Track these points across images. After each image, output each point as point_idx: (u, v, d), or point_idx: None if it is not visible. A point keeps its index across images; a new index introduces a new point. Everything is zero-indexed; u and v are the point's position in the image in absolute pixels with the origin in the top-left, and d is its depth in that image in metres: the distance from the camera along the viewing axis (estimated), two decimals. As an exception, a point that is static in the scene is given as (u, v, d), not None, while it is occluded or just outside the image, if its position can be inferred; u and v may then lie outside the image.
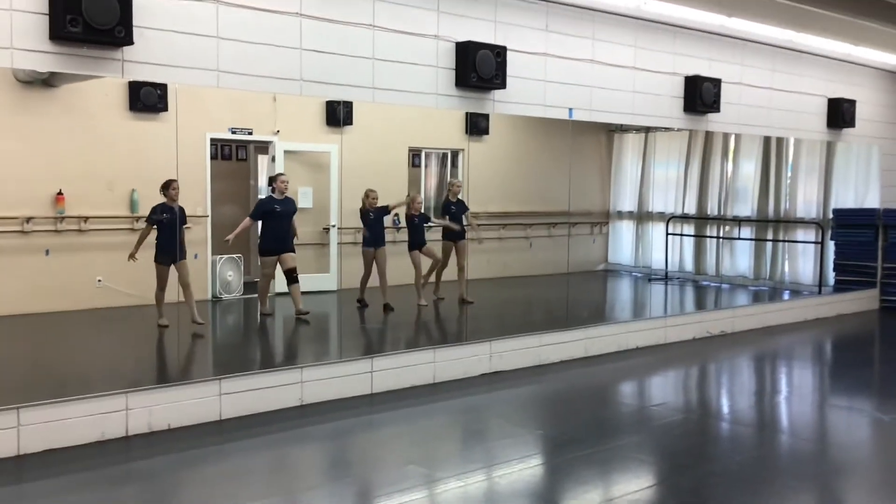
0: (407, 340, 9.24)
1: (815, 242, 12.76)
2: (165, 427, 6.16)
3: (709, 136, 13.30)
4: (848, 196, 13.31)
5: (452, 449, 6.30)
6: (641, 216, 14.50)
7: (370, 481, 5.53)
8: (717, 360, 9.60)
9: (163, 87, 8.87)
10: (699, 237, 13.87)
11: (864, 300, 12.79)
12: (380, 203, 9.66)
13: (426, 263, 10.13)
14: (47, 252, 9.24)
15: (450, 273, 10.28)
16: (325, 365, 7.16)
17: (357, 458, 6.05)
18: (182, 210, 8.45)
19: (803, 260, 13.14)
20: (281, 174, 9.15)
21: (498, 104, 8.26)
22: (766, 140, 12.99)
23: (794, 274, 13.23)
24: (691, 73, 9.93)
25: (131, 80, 7.97)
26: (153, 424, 6.11)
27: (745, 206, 13.63)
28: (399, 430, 6.69)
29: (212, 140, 10.46)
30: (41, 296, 8.97)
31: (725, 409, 7.65)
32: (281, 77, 6.83)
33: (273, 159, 10.13)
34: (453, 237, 10.25)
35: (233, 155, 11.96)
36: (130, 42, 5.85)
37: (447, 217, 10.26)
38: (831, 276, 12.94)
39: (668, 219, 13.91)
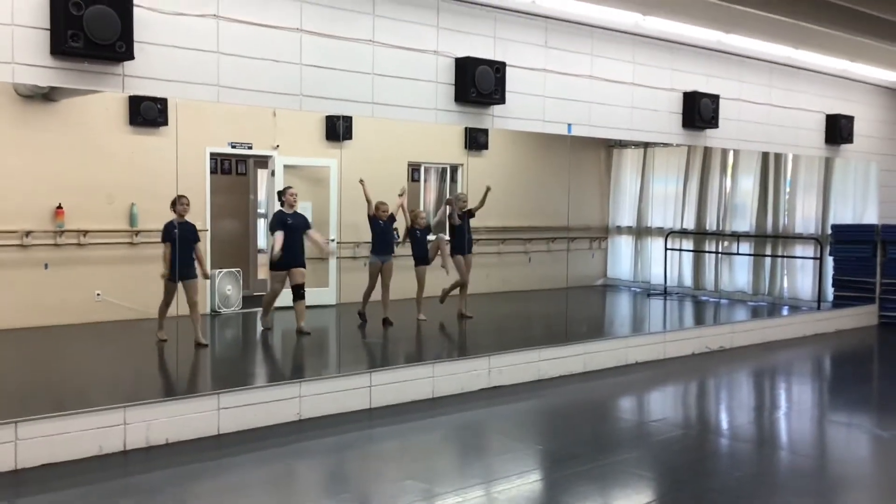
0: (406, 355, 9.23)
1: (814, 258, 12.78)
2: (164, 441, 6.15)
3: (707, 151, 13.34)
4: (846, 212, 13.34)
5: (451, 464, 6.28)
6: (640, 231, 14.52)
7: (368, 496, 5.51)
8: (716, 375, 9.59)
9: (163, 102, 8.91)
10: (698, 252, 13.88)
11: (862, 316, 12.80)
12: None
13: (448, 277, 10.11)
14: (46, 266, 9.25)
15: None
16: (323, 379, 7.15)
17: (355, 473, 6.03)
18: (193, 226, 8.40)
19: (802, 275, 13.15)
20: (289, 188, 9.11)
21: (497, 119, 8.29)
22: (765, 156, 13.03)
23: (792, 289, 13.24)
24: (689, 88, 9.97)
25: (132, 94, 8.00)
26: (151, 439, 6.10)
27: (744, 222, 13.65)
28: (398, 445, 6.68)
29: (211, 154, 10.48)
30: (40, 309, 8.97)
31: (725, 424, 7.64)
32: (281, 92, 6.86)
33: (273, 174, 10.15)
34: (462, 251, 10.26)
35: (232, 169, 11.99)
36: (131, 57, 5.87)
37: (454, 230, 10.26)
38: (830, 292, 12.95)
39: (667, 234, 13.93)
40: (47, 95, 9.06)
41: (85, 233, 9.46)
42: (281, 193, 9.03)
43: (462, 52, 7.87)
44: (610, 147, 14.60)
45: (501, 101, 8.05)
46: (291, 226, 9.01)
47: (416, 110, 7.72)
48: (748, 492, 5.50)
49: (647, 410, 8.20)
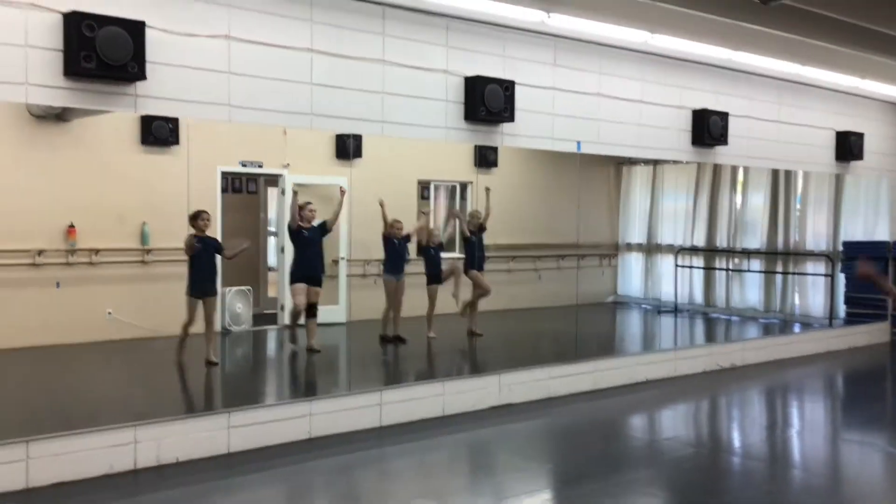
0: (416, 373, 9.22)
1: (826, 275, 12.72)
2: (174, 460, 6.15)
3: (717, 168, 13.34)
4: (857, 228, 13.29)
5: (461, 483, 6.26)
6: (650, 248, 14.51)
7: (378, 516, 5.49)
8: (727, 393, 9.53)
9: (174, 122, 8.99)
10: (708, 269, 13.85)
11: (875, 333, 12.71)
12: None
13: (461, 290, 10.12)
14: (58, 284, 9.30)
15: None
16: (333, 398, 7.14)
17: (365, 492, 6.02)
18: (215, 241, 8.41)
19: (813, 292, 13.08)
20: (308, 203, 9.10)
21: (506, 137, 8.31)
22: (775, 172, 13.01)
23: (804, 306, 13.18)
24: (699, 106, 9.98)
25: (144, 114, 8.07)
26: (162, 458, 6.09)
27: (755, 239, 13.62)
28: (408, 464, 6.66)
29: (222, 173, 10.55)
30: (51, 328, 9.01)
31: (736, 443, 7.59)
32: (291, 111, 6.89)
33: (283, 192, 10.20)
34: (476, 266, 10.27)
35: (243, 188, 12.06)
36: (143, 77, 5.92)
37: (467, 245, 10.29)
38: (842, 309, 12.88)
39: (678, 251, 13.91)
40: (60, 115, 9.14)
41: (96, 251, 9.51)
42: (301, 208, 9.01)
43: (471, 71, 7.91)
44: (619, 164, 14.63)
45: (511, 118, 8.07)
46: (308, 238, 9.02)
47: (425, 128, 7.75)
48: (761, 511, 5.46)
49: (659, 429, 8.15)
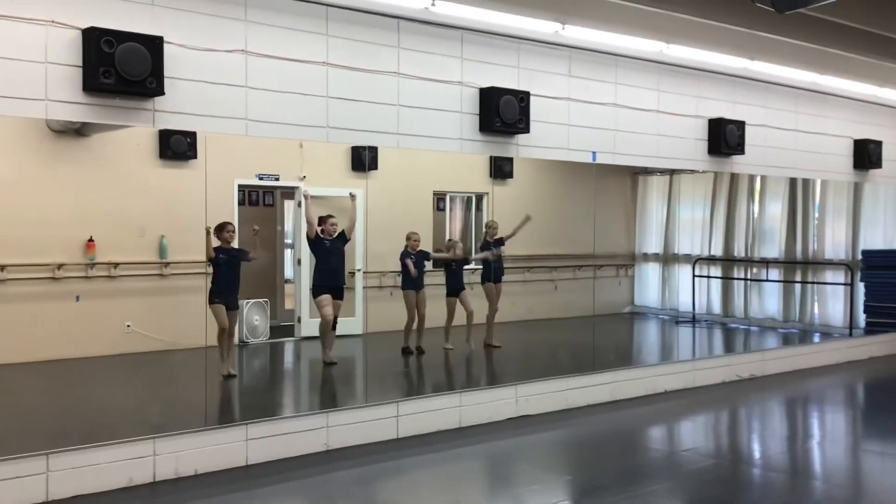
0: (433, 384, 9.22)
1: (845, 284, 12.62)
2: (192, 473, 6.16)
3: (734, 177, 13.29)
4: (876, 237, 13.18)
5: (479, 495, 6.24)
6: (667, 258, 14.46)
7: (396, 528, 5.48)
8: (747, 403, 9.46)
9: (192, 136, 9.07)
10: (726, 279, 13.78)
11: (895, 342, 12.59)
12: (420, 247, 9.74)
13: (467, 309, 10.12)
14: (77, 298, 9.38)
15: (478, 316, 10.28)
16: (350, 410, 7.15)
17: (383, 505, 6.01)
18: (240, 250, 8.45)
19: (833, 302, 12.98)
20: (331, 216, 9.10)
21: (522, 148, 8.31)
22: (793, 181, 12.95)
23: (823, 316, 13.08)
24: (715, 115, 9.95)
25: (162, 129, 8.14)
26: (180, 470, 6.12)
27: (773, 248, 13.55)
28: (425, 476, 6.65)
29: (239, 186, 10.61)
30: (71, 341, 9.08)
31: (756, 454, 7.53)
32: (308, 124, 6.93)
33: (299, 205, 10.25)
34: (495, 278, 10.28)
35: (260, 200, 12.13)
36: (161, 92, 5.97)
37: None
38: (862, 318, 12.77)
39: (695, 261, 13.85)
40: (79, 130, 9.25)
41: (115, 265, 9.59)
42: (322, 221, 9.01)
43: (486, 83, 7.93)
44: (635, 174, 14.61)
45: (526, 130, 8.08)
46: (329, 248, 9.02)
47: (441, 140, 7.76)
48: (782, 523, 5.41)
49: (678, 440, 8.10)
